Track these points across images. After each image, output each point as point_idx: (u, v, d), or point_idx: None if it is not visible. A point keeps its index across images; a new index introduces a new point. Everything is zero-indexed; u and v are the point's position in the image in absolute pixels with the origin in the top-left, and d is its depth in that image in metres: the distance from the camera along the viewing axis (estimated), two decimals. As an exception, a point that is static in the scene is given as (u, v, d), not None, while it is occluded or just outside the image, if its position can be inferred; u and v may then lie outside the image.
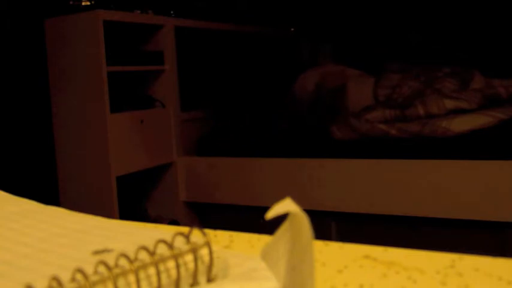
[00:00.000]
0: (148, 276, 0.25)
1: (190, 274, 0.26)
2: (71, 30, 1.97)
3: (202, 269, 0.27)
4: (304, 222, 0.24)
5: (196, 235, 0.28)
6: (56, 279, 0.23)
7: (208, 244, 0.27)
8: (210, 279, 0.27)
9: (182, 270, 0.26)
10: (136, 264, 0.25)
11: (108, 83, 1.92)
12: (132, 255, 0.26)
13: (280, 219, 0.26)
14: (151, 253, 0.26)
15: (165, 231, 0.34)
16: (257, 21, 2.81)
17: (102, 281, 0.24)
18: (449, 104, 1.87)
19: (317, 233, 0.28)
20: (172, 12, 2.33)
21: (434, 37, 2.58)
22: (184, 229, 0.29)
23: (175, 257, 0.26)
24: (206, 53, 2.57)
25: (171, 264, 0.26)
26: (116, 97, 1.99)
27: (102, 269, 0.25)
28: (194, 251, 0.26)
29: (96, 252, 0.30)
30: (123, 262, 0.25)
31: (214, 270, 0.27)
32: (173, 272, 0.26)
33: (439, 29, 2.59)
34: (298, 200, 0.27)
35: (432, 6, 2.64)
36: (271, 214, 0.24)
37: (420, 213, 1.77)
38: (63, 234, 0.34)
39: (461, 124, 1.78)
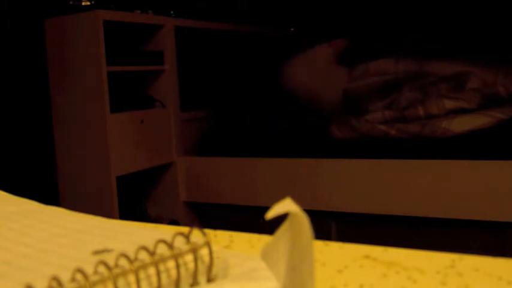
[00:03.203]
0: (148, 276, 0.25)
1: (190, 274, 0.26)
2: (71, 30, 1.97)
3: (202, 269, 0.27)
4: (304, 222, 0.24)
5: (196, 235, 0.28)
6: (56, 279, 0.23)
7: (208, 244, 0.27)
8: (210, 279, 0.27)
9: (182, 270, 0.26)
10: (136, 264, 0.25)
11: (108, 83, 1.92)
12: (132, 255, 0.26)
13: (280, 219, 0.26)
14: (151, 253, 0.26)
15: (165, 231, 0.34)
16: (257, 21, 2.81)
17: (102, 281, 0.24)
18: (449, 104, 1.87)
19: (317, 233, 0.28)
20: (172, 12, 2.33)
21: (434, 36, 2.58)
22: (184, 229, 0.29)
23: (175, 257, 0.26)
24: (206, 53, 2.57)
25: (171, 264, 0.26)
26: (116, 97, 1.99)
27: (102, 269, 0.25)
28: (194, 251, 0.26)
29: (96, 252, 0.30)
30: (123, 262, 0.25)
31: (214, 270, 0.27)
32: (173, 272, 0.26)
33: (438, 27, 2.59)
34: (298, 200, 0.27)
35: (431, 5, 2.64)
36: (271, 214, 0.24)
37: (420, 213, 1.77)
38: (63, 234, 0.34)
39: (461, 124, 1.78)
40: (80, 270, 0.24)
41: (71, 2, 2.02)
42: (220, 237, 0.40)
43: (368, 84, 2.15)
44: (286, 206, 0.24)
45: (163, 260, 0.26)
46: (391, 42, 2.44)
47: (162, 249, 0.26)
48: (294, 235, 0.25)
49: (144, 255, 0.26)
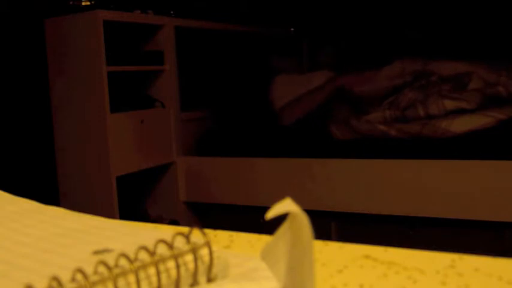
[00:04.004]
0: (148, 276, 0.25)
1: (190, 274, 0.26)
2: (71, 30, 1.97)
3: (202, 269, 0.27)
4: (304, 222, 0.24)
5: (196, 235, 0.28)
6: (56, 279, 0.23)
7: (208, 244, 0.27)
8: (210, 279, 0.27)
9: (182, 270, 0.26)
10: (137, 264, 0.25)
11: (108, 83, 1.92)
12: (132, 255, 0.26)
13: (280, 219, 0.26)
14: (151, 253, 0.26)
15: (165, 231, 0.34)
16: (257, 21, 2.81)
17: (102, 281, 0.24)
18: (449, 104, 1.87)
19: (317, 233, 0.28)
20: (172, 12, 2.33)
21: (434, 35, 2.58)
22: (184, 229, 0.29)
23: (175, 257, 0.26)
24: (206, 53, 2.56)
25: (171, 264, 0.26)
26: (116, 97, 1.99)
27: (102, 269, 0.25)
28: (194, 251, 0.26)
29: (96, 252, 0.30)
30: (123, 262, 0.25)
31: (214, 270, 0.27)
32: (173, 272, 0.26)
33: (438, 26, 2.59)
34: (298, 200, 0.27)
35: (434, 6, 2.64)
36: (271, 214, 0.24)
37: (420, 213, 1.77)
38: (63, 234, 0.34)
39: (461, 125, 1.78)
40: (80, 270, 0.24)
41: (71, 2, 2.02)
42: (220, 237, 0.40)
43: (378, 89, 2.16)
44: (286, 206, 0.24)
45: (163, 260, 0.26)
46: (394, 43, 2.44)
47: (162, 249, 0.26)
48: (294, 235, 0.25)
49: (144, 255, 0.26)
